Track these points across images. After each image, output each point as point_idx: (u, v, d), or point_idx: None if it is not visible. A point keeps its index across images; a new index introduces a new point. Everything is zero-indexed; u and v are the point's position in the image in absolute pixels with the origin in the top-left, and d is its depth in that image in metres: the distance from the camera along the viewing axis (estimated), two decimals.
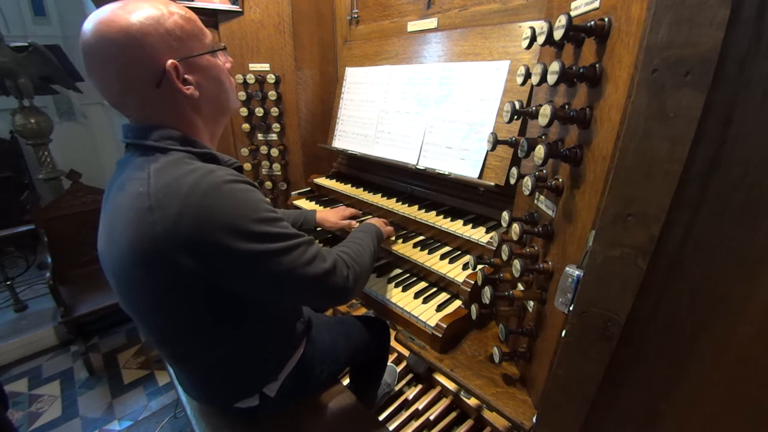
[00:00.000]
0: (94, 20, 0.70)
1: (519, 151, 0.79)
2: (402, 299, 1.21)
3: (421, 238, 1.42)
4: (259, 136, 1.93)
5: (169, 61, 0.73)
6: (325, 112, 1.95)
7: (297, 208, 1.80)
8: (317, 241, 1.57)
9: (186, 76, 0.76)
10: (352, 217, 1.49)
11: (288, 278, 0.77)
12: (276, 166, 1.97)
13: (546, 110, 0.70)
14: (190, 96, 0.77)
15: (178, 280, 0.73)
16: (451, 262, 1.25)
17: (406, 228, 1.49)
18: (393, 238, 1.39)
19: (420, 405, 1.73)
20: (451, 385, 1.76)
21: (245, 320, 0.88)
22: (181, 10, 0.77)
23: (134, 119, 0.79)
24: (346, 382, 1.85)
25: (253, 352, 0.94)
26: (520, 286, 0.93)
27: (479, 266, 1.04)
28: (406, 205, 1.49)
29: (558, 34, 0.67)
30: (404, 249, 1.34)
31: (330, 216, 1.45)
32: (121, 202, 0.74)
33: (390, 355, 1.99)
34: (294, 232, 0.79)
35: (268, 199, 0.79)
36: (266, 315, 0.93)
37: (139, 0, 0.74)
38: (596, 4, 0.67)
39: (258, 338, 0.93)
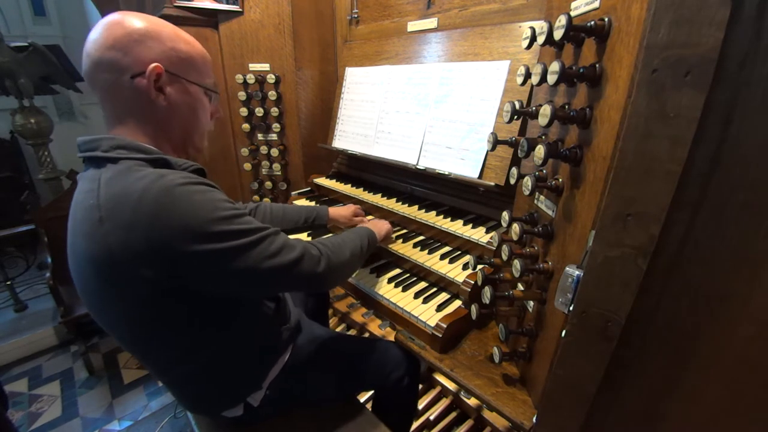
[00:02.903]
0: (123, 12, 0.77)
1: (519, 151, 0.79)
2: (402, 299, 1.21)
3: (421, 238, 1.42)
4: (259, 136, 1.93)
5: (155, 64, 0.75)
6: (325, 112, 1.95)
7: None
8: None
9: (165, 87, 0.79)
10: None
11: (256, 272, 0.76)
12: (276, 166, 1.97)
13: (546, 110, 0.70)
14: (156, 103, 0.78)
15: (142, 292, 0.71)
16: (451, 262, 1.25)
17: (406, 228, 1.49)
18: (393, 237, 1.39)
19: (420, 405, 1.73)
20: (451, 385, 1.76)
21: (222, 327, 0.86)
22: (202, 50, 0.86)
23: (101, 103, 0.80)
24: None
25: (233, 359, 0.92)
26: (520, 286, 0.93)
27: (479, 266, 1.04)
28: (406, 205, 1.49)
29: (558, 34, 0.67)
30: (404, 249, 1.34)
31: (344, 212, 1.44)
32: (77, 216, 0.74)
33: None
34: (257, 225, 0.78)
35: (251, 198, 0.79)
36: (245, 320, 0.91)
37: (176, 27, 0.82)
38: (596, 4, 0.67)
39: (236, 344, 0.91)
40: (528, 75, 0.82)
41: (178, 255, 0.68)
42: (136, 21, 0.76)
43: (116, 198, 0.68)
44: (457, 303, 1.17)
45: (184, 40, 0.82)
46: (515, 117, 0.86)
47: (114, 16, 0.76)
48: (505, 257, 0.89)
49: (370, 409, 1.18)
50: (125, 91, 0.76)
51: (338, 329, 1.99)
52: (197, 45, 0.85)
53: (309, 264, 0.86)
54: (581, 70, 0.67)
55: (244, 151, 1.93)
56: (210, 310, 0.82)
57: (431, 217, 1.36)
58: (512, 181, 0.90)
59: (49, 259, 2.39)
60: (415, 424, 1.66)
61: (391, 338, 1.26)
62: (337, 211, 1.44)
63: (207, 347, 0.87)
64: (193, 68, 0.83)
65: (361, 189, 1.69)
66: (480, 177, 1.24)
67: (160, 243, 0.66)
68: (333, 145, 1.79)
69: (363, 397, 1.74)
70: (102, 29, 0.75)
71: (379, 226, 1.29)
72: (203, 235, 0.69)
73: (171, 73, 0.79)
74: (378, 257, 1.45)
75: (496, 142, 0.92)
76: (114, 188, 0.69)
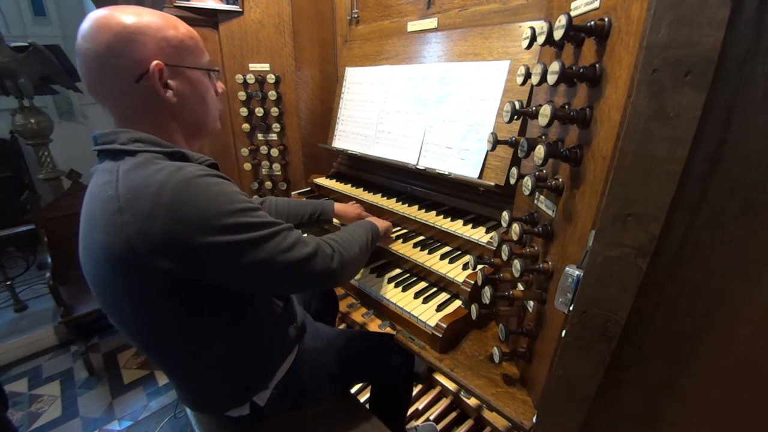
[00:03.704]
0: (102, 11, 0.73)
1: (519, 151, 0.79)
2: (402, 299, 1.21)
3: (421, 238, 1.42)
4: (259, 136, 1.93)
5: (155, 62, 0.74)
6: (325, 112, 1.95)
7: None
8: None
9: (169, 81, 0.78)
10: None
11: (270, 266, 0.76)
12: (276, 166, 1.97)
13: (546, 110, 0.70)
14: (166, 99, 0.78)
15: (157, 284, 0.72)
16: (451, 262, 1.25)
17: (406, 228, 1.49)
18: (393, 237, 1.39)
19: (420, 405, 1.73)
20: (451, 385, 1.76)
21: (232, 324, 0.87)
22: (188, 30, 0.82)
23: (110, 111, 0.80)
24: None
25: (242, 358, 0.92)
26: (520, 286, 0.93)
27: (479, 266, 1.04)
28: (406, 205, 1.49)
29: (558, 34, 0.67)
30: (404, 249, 1.34)
31: (350, 211, 1.42)
32: (93, 208, 0.74)
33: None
34: (272, 220, 0.79)
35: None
36: (254, 318, 0.91)
37: (154, 11, 0.77)
38: (596, 4, 0.67)
39: (246, 342, 0.92)
40: (528, 75, 0.82)
41: (195, 245, 0.68)
42: (118, 18, 0.73)
43: (136, 189, 0.69)
44: (457, 303, 1.17)
45: (170, 24, 0.78)
46: (515, 117, 0.86)
47: (95, 21, 0.73)
48: (505, 257, 0.89)
49: (367, 403, 1.20)
50: (133, 95, 0.76)
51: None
52: (182, 25, 0.81)
53: (323, 260, 0.86)
54: (581, 70, 0.67)
55: (244, 151, 1.93)
56: (221, 307, 0.82)
57: (431, 217, 1.36)
58: (512, 181, 0.90)
59: (49, 259, 2.39)
60: (416, 424, 1.66)
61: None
62: (342, 209, 1.42)
63: (216, 345, 0.87)
64: (187, 53, 0.81)
65: (361, 189, 1.69)
66: (480, 177, 1.24)
67: (178, 233, 0.67)
68: (333, 145, 1.79)
69: (363, 397, 1.74)
70: (90, 38, 0.72)
71: (380, 222, 1.29)
72: (220, 227, 0.70)
73: (170, 65, 0.77)
74: (378, 257, 1.45)
75: (496, 142, 0.92)
76: (133, 179, 0.70)
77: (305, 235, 0.87)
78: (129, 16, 0.73)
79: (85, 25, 0.73)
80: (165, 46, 0.76)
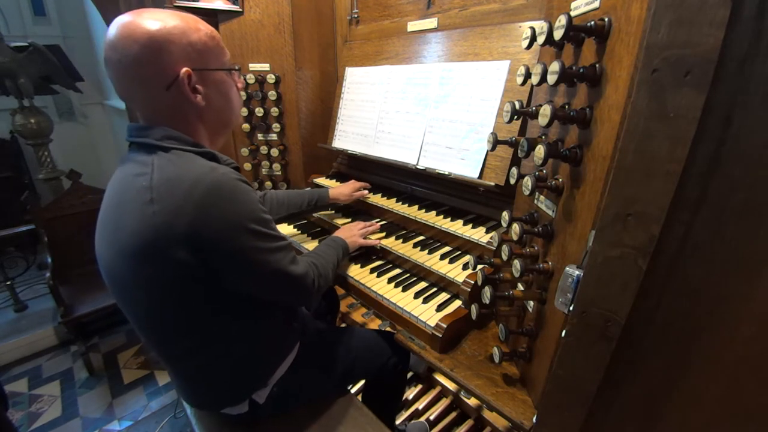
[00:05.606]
0: (126, 18, 0.74)
1: (519, 151, 0.79)
2: (402, 299, 1.21)
3: (421, 238, 1.42)
4: (259, 136, 1.93)
5: (184, 69, 0.77)
6: (325, 112, 1.95)
7: None
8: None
9: (197, 85, 0.80)
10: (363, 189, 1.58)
11: (274, 275, 0.84)
12: (276, 166, 1.97)
13: (546, 110, 0.70)
14: (196, 104, 0.81)
15: (174, 276, 0.75)
16: (451, 262, 1.25)
17: (406, 228, 1.49)
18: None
19: (420, 405, 1.73)
20: (451, 385, 1.76)
21: (237, 320, 0.89)
22: (209, 29, 0.83)
23: (140, 115, 0.82)
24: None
25: (244, 353, 0.94)
26: (520, 286, 0.93)
27: (479, 266, 1.04)
28: (406, 205, 1.49)
29: (558, 34, 0.67)
30: (404, 249, 1.34)
31: (344, 190, 1.55)
32: (123, 198, 0.77)
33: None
34: (281, 234, 0.86)
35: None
36: (259, 315, 0.94)
37: (174, 13, 0.79)
38: (596, 4, 0.67)
39: (249, 338, 0.94)
40: (528, 75, 0.82)
41: (216, 243, 0.73)
42: (144, 27, 0.73)
43: (169, 182, 0.72)
44: (457, 303, 1.17)
45: (192, 27, 0.79)
46: (515, 117, 0.86)
47: (121, 31, 0.73)
48: (505, 257, 0.89)
49: (360, 398, 1.20)
50: (163, 101, 0.79)
51: None
52: (203, 25, 0.82)
53: (309, 281, 0.94)
54: (581, 70, 0.67)
55: (244, 151, 1.93)
56: (229, 303, 0.85)
57: (431, 217, 1.36)
58: (512, 181, 0.90)
59: (49, 259, 2.39)
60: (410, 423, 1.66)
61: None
62: (337, 191, 1.54)
63: (222, 340, 0.89)
64: (211, 55, 0.83)
65: None
66: (480, 177, 1.24)
67: (203, 230, 0.71)
68: (333, 145, 1.79)
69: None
70: (118, 49, 0.73)
71: (353, 240, 1.31)
72: (243, 230, 0.75)
73: (197, 70, 0.80)
74: (378, 257, 1.45)
75: (496, 142, 0.92)
76: (168, 173, 0.73)
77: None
78: (153, 23, 0.74)
79: (111, 35, 0.73)
80: (191, 51, 0.78)
